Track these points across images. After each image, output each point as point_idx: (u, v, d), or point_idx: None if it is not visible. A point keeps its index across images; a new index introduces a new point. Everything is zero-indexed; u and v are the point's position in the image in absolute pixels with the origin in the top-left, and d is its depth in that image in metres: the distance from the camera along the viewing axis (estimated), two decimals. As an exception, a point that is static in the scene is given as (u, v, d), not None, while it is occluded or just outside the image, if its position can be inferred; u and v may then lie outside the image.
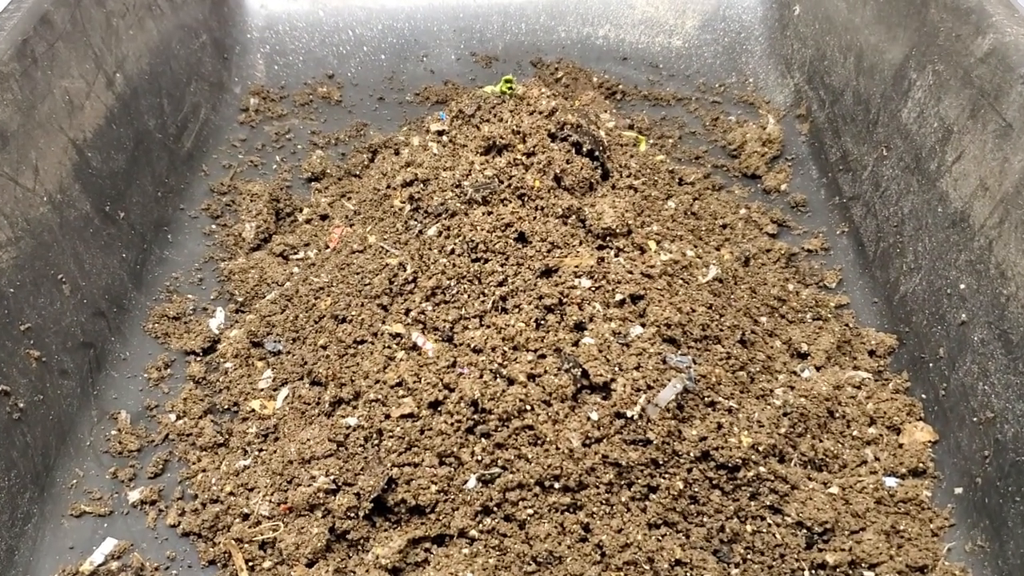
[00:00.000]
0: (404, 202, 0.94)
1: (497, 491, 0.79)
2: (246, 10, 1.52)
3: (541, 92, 1.00)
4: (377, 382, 0.85)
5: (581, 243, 0.89)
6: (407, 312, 0.88)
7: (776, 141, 1.29)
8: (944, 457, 0.88)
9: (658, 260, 0.89)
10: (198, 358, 1.03)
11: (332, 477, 0.82)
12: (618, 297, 0.85)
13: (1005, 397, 0.81)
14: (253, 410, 0.94)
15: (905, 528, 0.82)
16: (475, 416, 0.81)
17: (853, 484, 0.85)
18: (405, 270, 0.90)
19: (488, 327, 0.84)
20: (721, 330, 0.89)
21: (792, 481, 0.82)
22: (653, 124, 1.36)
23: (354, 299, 0.93)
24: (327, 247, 1.07)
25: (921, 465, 0.87)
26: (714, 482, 0.81)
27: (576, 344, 0.83)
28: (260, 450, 0.90)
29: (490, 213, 0.89)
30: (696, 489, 0.80)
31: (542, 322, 0.84)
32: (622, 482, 0.79)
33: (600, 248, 0.90)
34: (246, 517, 0.84)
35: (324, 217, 1.19)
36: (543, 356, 0.83)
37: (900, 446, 0.89)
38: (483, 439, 0.81)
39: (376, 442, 0.82)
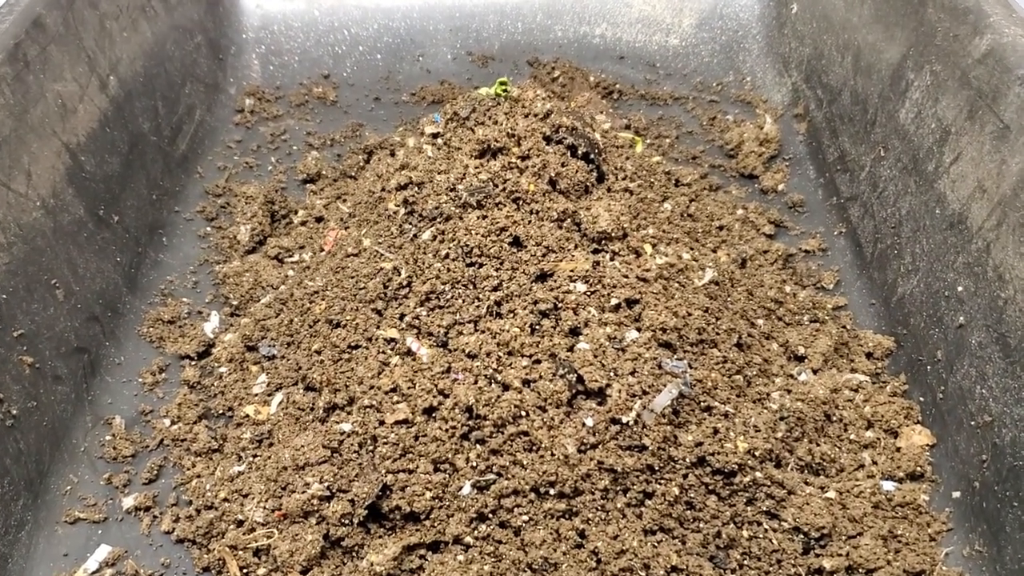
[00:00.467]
0: (398, 206, 0.94)
1: (492, 497, 0.79)
2: (241, 10, 1.51)
3: (536, 94, 0.99)
4: (371, 388, 0.84)
5: (576, 247, 0.88)
6: (401, 317, 0.88)
7: (773, 141, 1.28)
8: (942, 461, 0.87)
9: (654, 264, 0.88)
10: (193, 362, 1.03)
11: (326, 484, 0.82)
12: (613, 301, 0.85)
13: (1003, 401, 0.81)
14: (247, 415, 0.93)
15: (903, 533, 0.82)
16: (470, 422, 0.81)
17: (850, 488, 0.85)
18: (399, 274, 0.89)
19: (483, 332, 0.84)
20: (717, 334, 0.88)
21: (789, 486, 0.82)
22: (650, 124, 1.36)
23: (348, 303, 0.92)
24: (322, 250, 1.07)
25: (919, 469, 0.87)
26: (710, 488, 0.80)
27: (571, 349, 0.82)
28: (254, 456, 0.90)
29: (485, 217, 0.88)
30: (692, 495, 0.80)
31: (537, 327, 0.84)
32: (617, 488, 0.79)
33: (595, 252, 0.89)
34: (240, 524, 0.84)
35: (319, 219, 1.18)
36: (538, 361, 0.82)
37: (898, 450, 0.89)
38: (478, 445, 0.80)
39: (370, 448, 0.82)
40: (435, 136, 1.01)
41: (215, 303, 1.10)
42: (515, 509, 0.79)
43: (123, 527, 0.87)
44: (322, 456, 0.83)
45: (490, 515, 0.79)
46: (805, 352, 0.95)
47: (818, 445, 0.87)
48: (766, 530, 0.80)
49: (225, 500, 0.86)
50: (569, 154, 0.94)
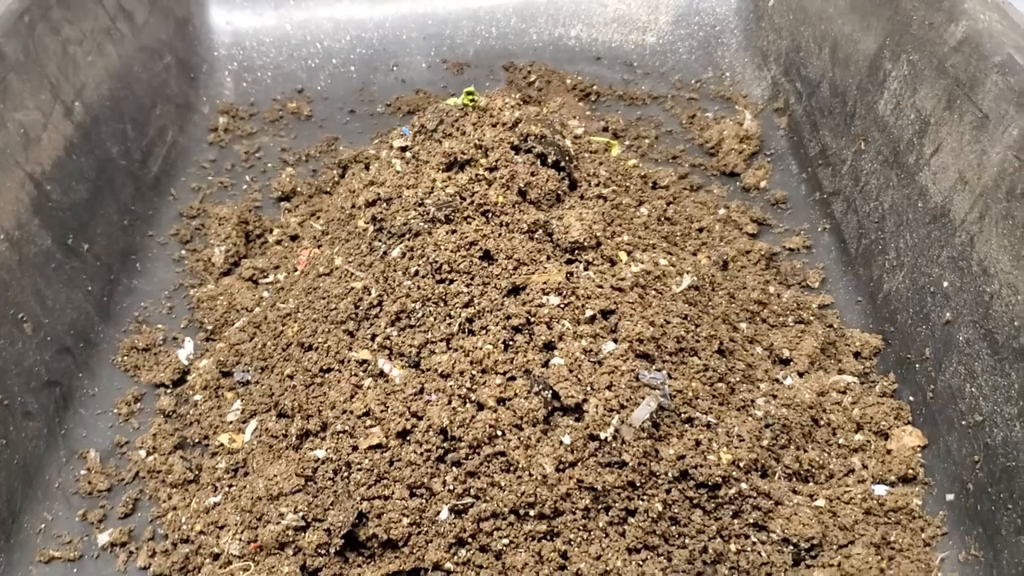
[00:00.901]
0: (368, 223, 0.92)
1: (471, 521, 0.77)
2: (211, 28, 1.49)
3: (505, 103, 0.97)
4: (344, 412, 0.82)
5: (549, 258, 0.86)
6: (373, 338, 0.85)
7: (754, 137, 1.26)
8: (934, 462, 0.85)
9: (629, 272, 0.86)
10: (168, 390, 1.01)
11: (301, 513, 0.79)
12: (588, 313, 0.82)
13: (993, 400, 0.78)
14: (222, 444, 0.91)
15: (896, 539, 0.79)
16: (445, 444, 0.78)
17: (840, 495, 0.82)
18: (370, 294, 0.87)
19: (455, 350, 0.82)
20: (697, 341, 0.86)
21: (776, 496, 0.79)
22: (628, 125, 1.33)
23: (320, 325, 0.90)
24: (295, 270, 1.05)
25: (911, 471, 0.85)
26: (694, 502, 0.78)
27: (546, 365, 0.80)
28: (230, 486, 0.87)
29: (454, 232, 0.86)
30: (676, 510, 0.77)
31: (510, 343, 0.81)
32: (599, 507, 0.77)
33: (569, 263, 0.87)
34: (216, 557, 0.82)
35: (294, 238, 1.16)
36: (513, 379, 0.80)
37: (888, 452, 0.87)
38: (454, 468, 0.78)
39: (345, 475, 0.80)
40: (404, 150, 0.98)
41: (190, 328, 1.08)
42: (495, 532, 0.77)
43: (99, 564, 0.85)
44: (296, 485, 0.81)
45: (469, 539, 0.77)
46: (790, 355, 0.93)
47: (806, 451, 0.84)
48: (754, 543, 0.78)
49: (201, 533, 0.84)
50: (539, 163, 0.92)
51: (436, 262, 0.84)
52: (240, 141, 1.38)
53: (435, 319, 0.83)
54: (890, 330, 0.95)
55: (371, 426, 0.80)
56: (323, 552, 0.78)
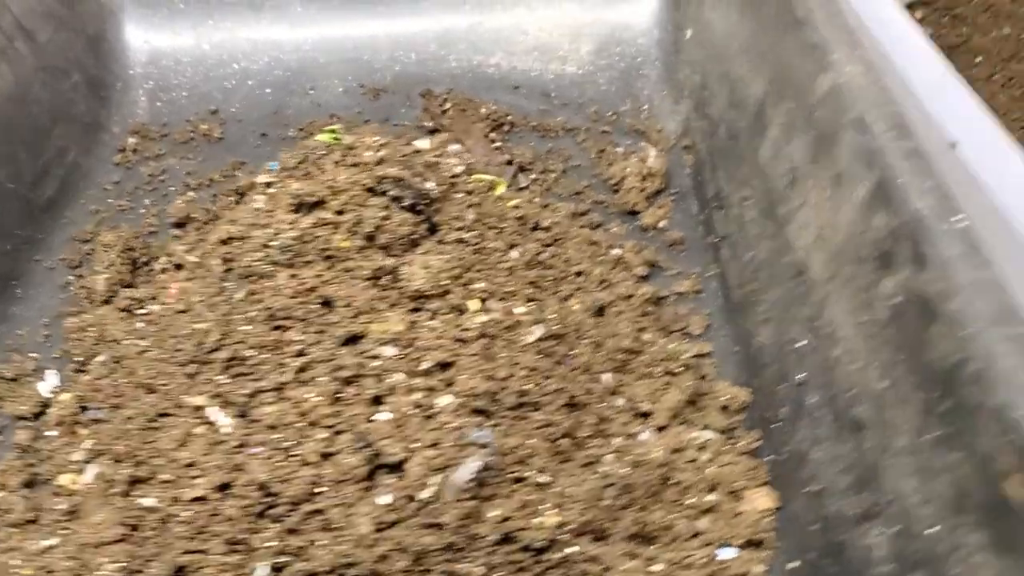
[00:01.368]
0: (219, 262, 0.89)
1: (288, 579, 0.75)
2: (127, 45, 1.47)
3: (373, 141, 0.95)
4: (172, 461, 0.80)
5: (393, 306, 0.84)
6: (208, 383, 0.83)
7: (657, 175, 1.23)
8: (785, 526, 0.83)
9: (476, 322, 0.84)
10: (28, 423, 0.99)
11: (121, 565, 0.77)
12: (424, 365, 0.80)
13: (830, 469, 0.76)
14: (62, 485, 0.89)
15: (731, 608, 0.77)
16: (266, 499, 0.76)
17: (681, 559, 0.80)
18: (210, 337, 0.85)
19: (285, 401, 0.79)
20: (544, 395, 0.84)
21: (607, 561, 0.77)
22: (537, 158, 1.31)
23: (165, 366, 0.88)
24: (164, 303, 1.03)
25: (759, 535, 0.82)
26: (520, 566, 0.75)
27: (372, 419, 0.78)
28: (65, 530, 0.85)
29: (294, 276, 0.84)
30: (498, 574, 0.75)
31: (340, 395, 0.79)
32: (418, 569, 0.74)
33: (414, 311, 0.85)
34: (40, 605, 0.80)
35: (179, 267, 1.14)
36: (339, 433, 0.78)
37: (739, 514, 0.84)
38: (274, 524, 0.76)
39: (168, 527, 0.78)
40: (268, 185, 0.96)
41: (63, 359, 1.06)
42: (312, 592, 0.74)
43: (-73, 607, 0.83)
44: (118, 534, 0.79)
45: (286, 598, 0.75)
46: (651, 408, 0.90)
47: (650, 512, 0.82)
48: (580, 610, 0.75)
49: (30, 578, 0.82)
50: (395, 205, 0.90)
51: (272, 308, 0.82)
52: (147, 163, 1.36)
53: (268, 367, 0.81)
54: (757, 385, 0.93)
55: (195, 477, 0.78)
56: (139, 606, 0.76)
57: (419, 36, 1.48)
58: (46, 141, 1.28)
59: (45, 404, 1.00)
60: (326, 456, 0.77)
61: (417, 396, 0.78)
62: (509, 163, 1.28)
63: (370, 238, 0.87)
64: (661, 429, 0.89)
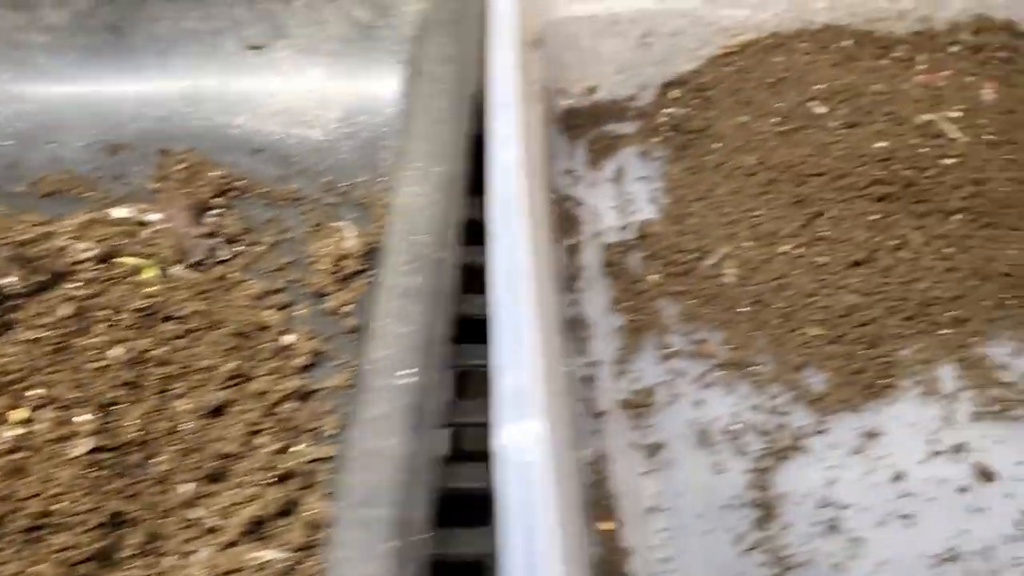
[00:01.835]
0: None
1: None
2: None
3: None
4: None
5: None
6: None
7: (353, 256, 1.21)
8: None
9: (7, 435, 0.80)
10: None
11: None
12: (-69, 484, 0.77)
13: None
14: None
15: None
16: None
17: None
18: None
19: None
20: (75, 514, 0.80)
21: None
22: (251, 229, 1.28)
23: None
24: None
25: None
26: None
27: None
28: None
29: None
30: None
31: None
32: None
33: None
34: None
35: None
36: None
37: (277, 646, 0.81)
38: None
39: None
40: None
41: None
42: None
43: None
44: None
45: None
46: (221, 523, 0.87)
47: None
48: None
49: None
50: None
51: None
52: None
53: None
54: (344, 501, 0.90)
55: None
56: None
57: (165, 94, 1.45)
58: None
59: None
60: None
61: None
62: (210, 235, 1.25)
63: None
64: (229, 546, 0.86)
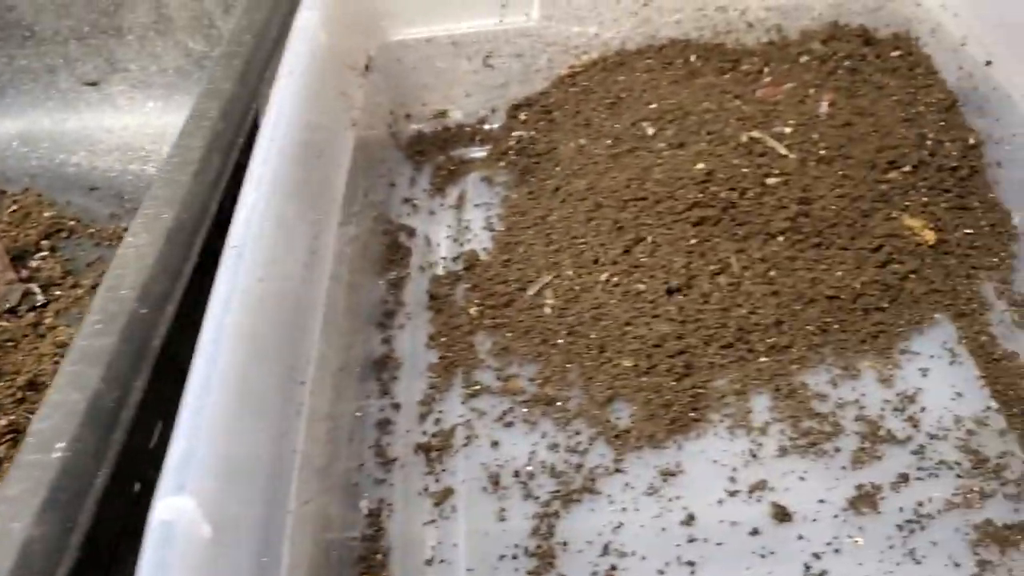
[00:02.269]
0: None
1: None
2: None
3: None
4: None
5: None
6: None
7: (164, 299, 1.17)
8: None
9: None
10: None
11: None
12: None
13: None
14: None
15: None
16: None
17: None
18: None
19: None
20: None
21: None
22: (73, 271, 1.25)
23: None
24: None
25: None
26: None
27: None
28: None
29: None
30: None
31: None
32: None
33: None
34: None
35: None
36: None
37: None
38: None
39: None
40: None
41: None
42: None
43: None
44: None
45: None
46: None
47: None
48: None
49: None
50: None
51: None
52: None
53: None
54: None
55: None
56: None
57: (1, 134, 1.42)
58: None
59: None
60: None
61: None
62: (23, 280, 1.21)
63: None
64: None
